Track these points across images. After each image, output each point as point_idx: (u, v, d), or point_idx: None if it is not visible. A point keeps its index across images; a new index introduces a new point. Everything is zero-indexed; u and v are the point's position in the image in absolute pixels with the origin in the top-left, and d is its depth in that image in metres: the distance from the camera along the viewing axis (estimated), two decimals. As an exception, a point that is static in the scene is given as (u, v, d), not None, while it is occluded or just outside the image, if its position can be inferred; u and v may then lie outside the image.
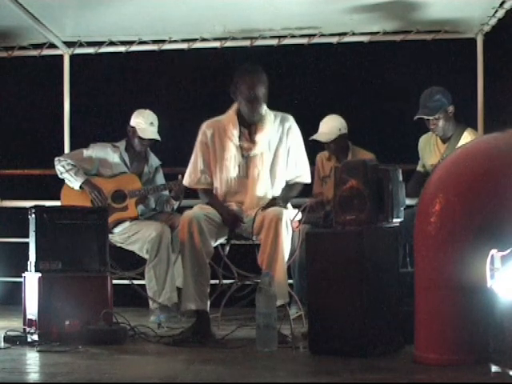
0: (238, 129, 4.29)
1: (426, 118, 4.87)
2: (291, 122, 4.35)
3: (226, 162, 4.28)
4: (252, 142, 4.29)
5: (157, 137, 5.33)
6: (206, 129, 4.37)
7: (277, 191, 4.31)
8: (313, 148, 5.42)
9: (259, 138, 4.28)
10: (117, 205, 5.21)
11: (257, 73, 4.24)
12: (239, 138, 4.29)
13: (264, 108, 4.29)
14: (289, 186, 4.38)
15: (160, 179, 5.48)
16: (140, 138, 5.32)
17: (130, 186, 5.25)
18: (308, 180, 4.46)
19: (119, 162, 5.32)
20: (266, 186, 4.28)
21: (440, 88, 4.90)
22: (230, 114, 4.33)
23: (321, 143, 5.43)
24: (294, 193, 4.41)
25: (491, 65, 5.73)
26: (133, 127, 5.33)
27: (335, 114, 5.44)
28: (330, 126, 5.38)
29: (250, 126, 4.30)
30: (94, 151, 5.30)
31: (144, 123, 5.31)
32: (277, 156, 4.31)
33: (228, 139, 4.29)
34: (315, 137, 5.37)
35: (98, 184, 5.21)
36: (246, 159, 4.29)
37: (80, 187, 5.17)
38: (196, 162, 4.39)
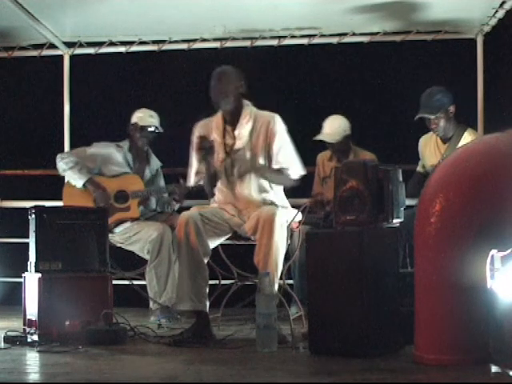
0: (222, 127, 4.35)
1: (427, 117, 4.86)
2: (274, 119, 4.32)
3: (216, 159, 4.32)
4: (234, 138, 4.32)
5: (157, 124, 5.36)
6: (196, 130, 4.44)
7: (266, 188, 4.31)
8: (313, 148, 5.43)
9: (240, 133, 4.30)
10: (119, 205, 5.21)
11: (217, 71, 4.31)
12: (223, 135, 4.34)
13: (233, 102, 4.28)
14: (275, 170, 4.33)
15: (160, 181, 5.49)
16: (142, 131, 5.33)
17: (132, 186, 5.25)
18: (295, 175, 4.36)
19: (122, 162, 5.32)
20: (251, 181, 4.28)
21: (441, 88, 4.90)
22: (218, 114, 4.40)
23: (322, 143, 5.43)
24: (277, 177, 4.32)
25: (491, 65, 5.73)
26: (134, 123, 5.37)
27: (339, 115, 5.43)
28: (336, 127, 5.36)
29: (234, 124, 4.33)
30: (98, 149, 5.30)
31: (144, 116, 5.37)
32: (256, 150, 4.29)
33: (214, 135, 4.35)
34: (320, 137, 5.35)
35: (101, 183, 5.20)
36: (230, 155, 4.31)
37: (83, 185, 5.17)
38: (192, 163, 4.46)
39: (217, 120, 4.39)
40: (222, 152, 4.32)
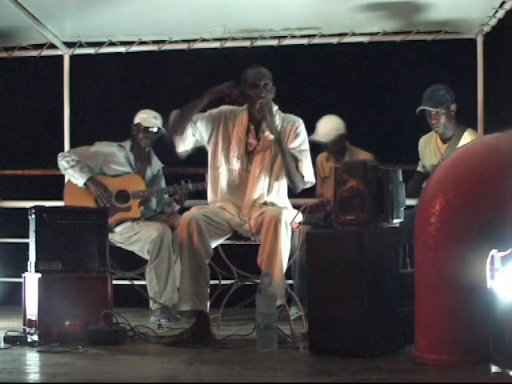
0: (247, 123, 4.33)
1: (429, 109, 4.86)
2: (299, 123, 4.36)
3: (230, 152, 4.32)
4: (258, 139, 4.32)
5: (160, 126, 5.36)
6: (223, 108, 4.41)
7: (273, 191, 4.32)
8: (313, 148, 5.43)
9: (265, 137, 4.30)
10: (120, 204, 5.20)
11: (256, 68, 4.31)
12: (247, 132, 4.33)
13: (272, 105, 4.31)
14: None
15: (161, 182, 5.49)
16: (145, 131, 5.34)
17: (133, 186, 5.26)
18: (308, 179, 4.39)
19: (124, 162, 5.33)
20: (264, 185, 4.30)
21: (444, 86, 4.93)
22: (244, 108, 4.38)
23: (319, 144, 5.43)
24: (292, 158, 4.29)
25: (491, 65, 5.73)
26: (137, 124, 5.37)
27: (333, 115, 5.44)
28: (328, 127, 5.39)
29: (258, 125, 4.33)
30: (100, 149, 5.30)
31: (148, 117, 5.38)
32: (278, 156, 4.31)
33: (237, 129, 4.34)
34: (313, 137, 5.36)
35: (103, 182, 5.20)
36: (249, 155, 4.31)
37: (84, 184, 5.16)
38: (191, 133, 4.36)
39: (242, 115, 4.36)
40: (241, 149, 4.31)
